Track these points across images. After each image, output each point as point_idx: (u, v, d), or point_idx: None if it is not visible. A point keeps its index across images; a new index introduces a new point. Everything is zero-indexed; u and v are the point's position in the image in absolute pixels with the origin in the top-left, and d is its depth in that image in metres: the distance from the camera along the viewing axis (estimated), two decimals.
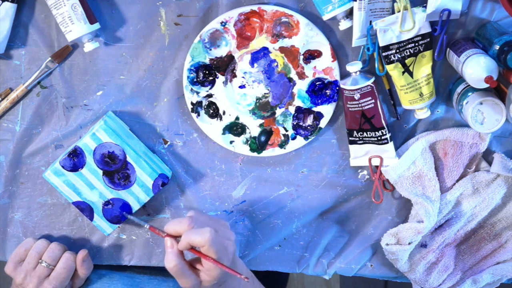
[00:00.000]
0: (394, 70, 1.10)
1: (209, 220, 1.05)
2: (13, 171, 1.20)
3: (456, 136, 1.17)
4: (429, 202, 1.15)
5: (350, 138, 1.17)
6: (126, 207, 1.17)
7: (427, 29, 1.09)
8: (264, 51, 1.14)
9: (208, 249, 0.99)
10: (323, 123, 1.17)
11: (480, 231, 1.24)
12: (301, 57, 1.14)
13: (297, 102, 1.16)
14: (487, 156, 1.20)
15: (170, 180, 1.20)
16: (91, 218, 1.17)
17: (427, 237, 1.21)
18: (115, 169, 1.15)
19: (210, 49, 1.14)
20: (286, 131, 1.18)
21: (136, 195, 1.16)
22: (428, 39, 1.09)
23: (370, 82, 1.11)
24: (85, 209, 1.16)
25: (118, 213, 1.17)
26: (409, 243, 1.17)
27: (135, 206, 1.17)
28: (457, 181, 1.19)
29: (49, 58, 1.14)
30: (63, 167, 1.14)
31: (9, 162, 1.20)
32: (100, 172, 1.15)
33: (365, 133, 1.15)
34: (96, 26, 1.10)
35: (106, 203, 1.16)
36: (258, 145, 1.18)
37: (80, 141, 1.14)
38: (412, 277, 1.22)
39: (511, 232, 1.22)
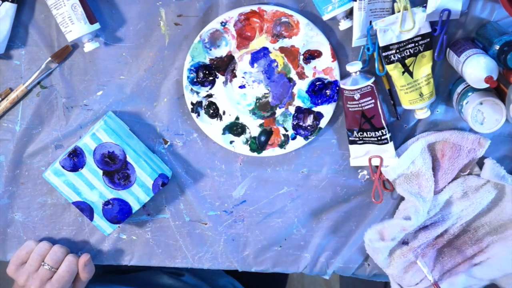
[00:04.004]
0: (394, 70, 1.10)
1: None
2: (13, 171, 1.20)
3: (456, 139, 1.17)
4: (422, 201, 1.15)
5: (350, 138, 1.17)
6: (126, 207, 1.17)
7: (427, 29, 1.09)
8: (264, 51, 1.14)
9: None
10: (323, 123, 1.17)
11: (462, 235, 1.24)
12: (301, 57, 1.14)
13: (297, 102, 1.16)
14: (481, 159, 1.19)
15: (170, 180, 1.20)
16: (91, 218, 1.17)
17: (409, 235, 1.21)
18: (115, 169, 1.15)
19: (210, 49, 1.14)
20: (286, 131, 1.18)
21: (136, 195, 1.16)
22: (428, 39, 1.09)
23: (370, 82, 1.11)
24: (85, 209, 1.16)
25: (117, 213, 1.17)
26: (392, 239, 1.17)
27: (135, 206, 1.17)
28: (448, 183, 1.19)
29: (49, 58, 1.14)
30: (63, 167, 1.14)
31: (9, 162, 1.20)
32: (100, 172, 1.15)
33: (365, 133, 1.15)
34: (96, 26, 1.10)
35: (106, 203, 1.16)
36: (258, 145, 1.18)
37: (80, 141, 1.14)
38: (389, 273, 1.22)
39: (492, 238, 1.21)
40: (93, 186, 1.15)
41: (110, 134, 1.13)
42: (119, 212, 1.17)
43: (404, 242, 1.22)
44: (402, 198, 1.22)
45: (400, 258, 1.21)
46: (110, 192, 1.16)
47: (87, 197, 1.16)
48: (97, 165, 1.14)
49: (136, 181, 1.15)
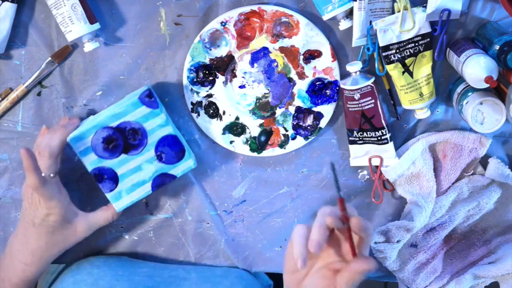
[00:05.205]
0: (394, 70, 1.10)
1: None
2: (16, 170, 1.20)
3: (457, 139, 1.16)
4: (424, 202, 1.15)
5: (350, 138, 1.17)
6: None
7: (427, 29, 1.08)
8: (264, 51, 1.14)
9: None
10: (323, 123, 1.17)
11: (471, 236, 1.24)
12: (301, 57, 1.14)
13: (297, 102, 1.16)
14: (484, 158, 1.19)
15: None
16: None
17: (418, 238, 1.21)
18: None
19: (210, 49, 1.14)
20: (286, 131, 1.18)
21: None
22: (428, 39, 1.09)
23: (370, 82, 1.11)
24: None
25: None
26: (398, 241, 1.17)
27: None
28: (453, 184, 1.19)
29: (49, 58, 1.14)
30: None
31: (13, 161, 1.20)
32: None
33: (365, 133, 1.15)
34: (96, 26, 1.10)
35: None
36: (258, 145, 1.18)
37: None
38: (400, 276, 1.22)
39: (501, 239, 1.21)
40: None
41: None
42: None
43: (413, 245, 1.22)
44: (403, 199, 1.22)
45: (409, 261, 1.21)
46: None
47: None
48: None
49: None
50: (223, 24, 1.12)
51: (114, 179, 1.12)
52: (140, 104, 1.08)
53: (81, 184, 1.20)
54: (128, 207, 1.15)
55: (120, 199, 1.13)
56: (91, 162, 1.10)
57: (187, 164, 1.14)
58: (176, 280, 1.18)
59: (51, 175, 1.08)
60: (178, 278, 1.19)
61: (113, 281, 1.12)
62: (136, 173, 1.12)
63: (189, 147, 1.18)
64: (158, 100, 1.11)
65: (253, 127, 1.18)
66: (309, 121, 1.17)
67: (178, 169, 1.14)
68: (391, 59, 1.09)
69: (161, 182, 1.14)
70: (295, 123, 1.17)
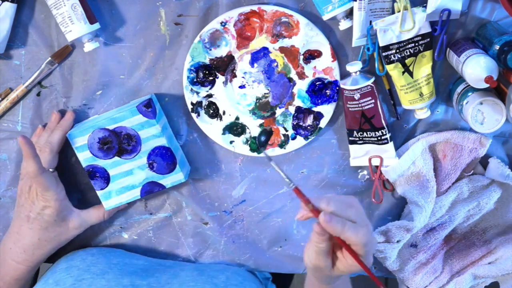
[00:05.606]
0: (394, 70, 1.10)
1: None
2: (15, 171, 1.20)
3: (457, 139, 1.16)
4: (424, 202, 1.15)
5: (350, 138, 1.17)
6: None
7: (427, 29, 1.08)
8: (264, 51, 1.14)
9: (359, 249, 0.90)
10: (323, 123, 1.17)
11: (471, 236, 1.24)
12: (301, 57, 1.14)
13: (297, 102, 1.16)
14: (484, 158, 1.19)
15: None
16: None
17: (418, 238, 1.21)
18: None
19: (210, 49, 1.14)
20: (286, 131, 1.18)
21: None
22: (428, 39, 1.09)
23: (370, 82, 1.11)
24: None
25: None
26: (398, 241, 1.17)
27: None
28: (453, 184, 1.19)
29: (49, 58, 1.14)
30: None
31: (12, 161, 1.20)
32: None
33: (365, 133, 1.15)
34: (96, 26, 1.10)
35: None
36: (258, 145, 1.18)
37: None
38: (400, 276, 1.22)
39: (501, 239, 1.21)
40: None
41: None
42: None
43: (413, 245, 1.21)
44: (403, 199, 1.22)
45: (409, 261, 1.21)
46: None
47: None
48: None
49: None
50: (223, 24, 1.12)
51: (105, 178, 1.15)
52: (137, 112, 1.10)
53: (77, 185, 1.20)
54: (119, 207, 1.19)
55: (110, 198, 1.16)
56: (85, 158, 1.13)
57: (177, 177, 1.15)
58: (171, 270, 1.18)
59: (50, 169, 1.12)
60: (174, 269, 1.20)
61: (105, 268, 1.13)
62: (127, 176, 1.15)
63: (186, 160, 1.19)
64: (157, 111, 1.13)
65: (253, 127, 1.18)
66: (309, 121, 1.17)
67: (167, 180, 1.16)
68: (391, 59, 1.09)
69: (150, 189, 1.16)
70: (295, 123, 1.17)
